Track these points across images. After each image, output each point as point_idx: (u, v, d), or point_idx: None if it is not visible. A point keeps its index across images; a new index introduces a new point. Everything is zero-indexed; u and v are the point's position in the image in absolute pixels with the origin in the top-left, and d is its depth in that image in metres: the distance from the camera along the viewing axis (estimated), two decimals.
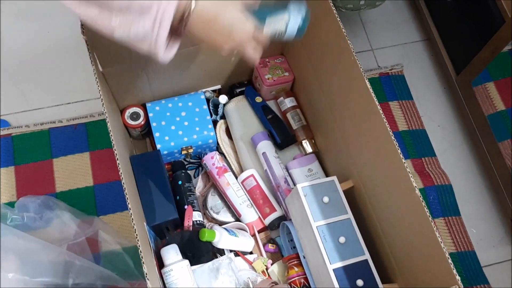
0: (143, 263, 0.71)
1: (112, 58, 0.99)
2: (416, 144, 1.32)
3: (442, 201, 1.25)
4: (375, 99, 0.84)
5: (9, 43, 1.34)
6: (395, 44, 1.45)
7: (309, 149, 1.13)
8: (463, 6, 1.26)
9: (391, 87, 1.38)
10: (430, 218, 0.74)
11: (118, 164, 0.80)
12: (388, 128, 0.81)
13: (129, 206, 0.77)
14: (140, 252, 0.72)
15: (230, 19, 0.68)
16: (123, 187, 0.78)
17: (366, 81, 0.86)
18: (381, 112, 0.83)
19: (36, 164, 1.21)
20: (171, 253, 0.94)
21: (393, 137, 0.81)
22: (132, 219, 0.76)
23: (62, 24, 1.33)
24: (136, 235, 0.74)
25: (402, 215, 0.84)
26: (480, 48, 1.18)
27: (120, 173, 0.80)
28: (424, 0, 1.42)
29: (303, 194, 0.94)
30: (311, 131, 1.15)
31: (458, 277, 0.69)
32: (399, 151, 0.80)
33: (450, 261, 0.71)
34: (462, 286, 0.68)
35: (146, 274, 0.70)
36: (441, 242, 0.72)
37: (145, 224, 0.96)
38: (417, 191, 0.76)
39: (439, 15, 1.38)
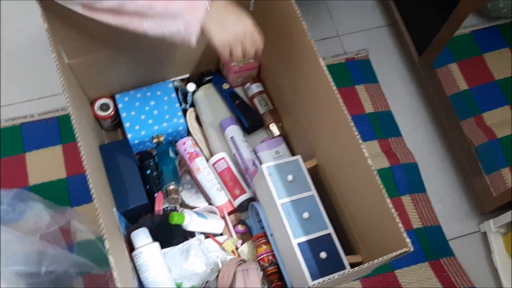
0: (108, 250, 0.72)
1: (79, 49, 1.01)
2: (382, 125, 1.36)
3: (408, 179, 1.29)
4: (333, 86, 0.85)
5: None
6: (361, 29, 1.48)
7: (276, 132, 1.16)
8: None
9: (357, 71, 1.42)
10: (383, 191, 0.77)
11: (82, 155, 0.80)
12: (345, 112, 0.83)
13: (93, 194, 0.77)
14: (105, 238, 0.73)
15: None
16: (87, 178, 0.78)
17: (324, 68, 0.87)
18: (339, 97, 0.85)
19: (9, 159, 1.22)
20: (141, 236, 0.97)
21: (350, 120, 0.82)
22: (97, 207, 0.76)
23: (32, 19, 1.34)
24: (100, 222, 0.74)
25: (361, 191, 0.88)
26: (439, 29, 1.22)
27: (84, 164, 0.80)
28: None
29: (267, 174, 0.97)
30: (278, 114, 1.18)
31: (408, 240, 0.72)
32: (356, 133, 0.81)
33: (402, 229, 0.74)
34: (412, 248, 0.72)
35: (112, 263, 0.72)
36: (394, 213, 0.75)
37: (114, 210, 0.98)
38: (373, 170, 0.78)
39: (401, 0, 1.42)
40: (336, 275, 0.70)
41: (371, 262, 0.71)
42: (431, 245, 1.23)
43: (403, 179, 1.29)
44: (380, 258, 0.71)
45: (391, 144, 1.34)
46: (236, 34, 0.80)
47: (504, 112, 1.39)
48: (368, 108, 1.38)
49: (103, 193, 0.94)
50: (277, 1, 0.98)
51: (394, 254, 0.72)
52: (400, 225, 0.74)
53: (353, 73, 1.42)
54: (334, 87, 0.86)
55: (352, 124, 0.82)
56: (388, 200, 0.76)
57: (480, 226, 1.26)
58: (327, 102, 0.89)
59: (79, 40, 0.98)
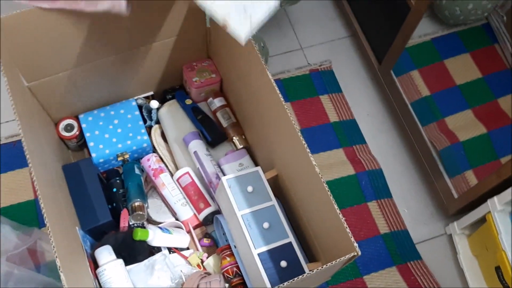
0: (59, 268, 0.72)
1: (38, 71, 1.02)
2: (347, 133, 1.38)
3: (373, 185, 1.31)
4: (282, 100, 0.87)
5: None
6: (323, 41, 1.52)
7: (239, 144, 1.18)
8: (377, 1, 1.33)
9: (321, 82, 1.45)
10: (333, 202, 0.78)
11: (33, 176, 0.80)
12: (295, 126, 0.85)
13: (44, 214, 0.77)
14: (56, 256, 0.74)
15: None
16: (39, 198, 0.78)
17: (273, 82, 0.89)
18: (288, 112, 0.86)
19: None
20: (104, 253, 0.98)
21: (299, 134, 0.84)
22: (48, 227, 0.76)
23: None
24: (52, 241, 0.75)
25: (314, 199, 0.90)
26: (394, 38, 1.25)
27: (36, 188, 0.80)
28: None
29: (227, 186, 0.98)
30: (241, 127, 1.20)
31: (355, 245, 0.74)
32: (303, 142, 0.83)
33: (350, 235, 0.75)
34: (359, 253, 0.74)
35: (63, 280, 0.72)
36: (342, 218, 0.77)
37: (77, 228, 0.99)
38: (322, 178, 0.80)
39: (360, 11, 1.45)
40: (292, 281, 0.72)
41: (319, 268, 0.72)
42: (399, 249, 1.25)
43: (369, 185, 1.31)
44: (329, 264, 0.73)
45: (356, 151, 1.37)
46: None
47: (466, 115, 1.42)
48: (333, 117, 1.40)
49: (64, 212, 0.96)
50: None
51: (343, 258, 0.73)
52: (348, 230, 0.75)
53: (317, 83, 1.45)
54: (283, 101, 0.88)
55: (299, 134, 0.84)
56: (336, 206, 0.78)
57: (445, 228, 1.28)
58: (278, 115, 0.91)
59: (37, 62, 1.00)
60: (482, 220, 1.12)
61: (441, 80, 1.48)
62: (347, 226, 0.76)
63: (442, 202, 1.28)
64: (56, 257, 0.72)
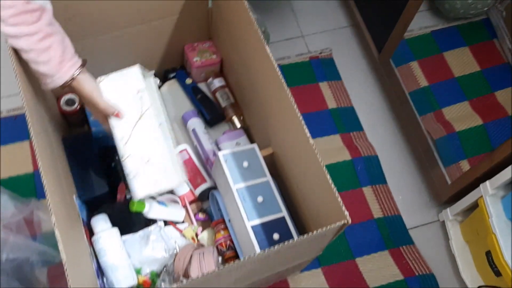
0: (55, 227, 0.74)
1: None
2: (344, 120, 1.40)
3: (369, 171, 1.33)
4: (285, 86, 0.88)
5: None
6: (325, 30, 1.54)
7: (237, 124, 1.20)
8: None
9: (321, 69, 1.46)
10: (326, 173, 0.79)
11: (35, 149, 0.81)
12: (296, 109, 0.85)
13: (45, 185, 0.77)
14: (54, 223, 0.74)
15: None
16: (39, 169, 0.78)
17: (276, 68, 0.90)
18: (290, 95, 0.87)
19: None
20: (100, 222, 0.99)
21: (300, 117, 0.85)
22: (47, 194, 0.76)
23: None
24: (50, 206, 0.76)
25: (308, 174, 0.90)
26: (394, 26, 1.27)
27: (36, 157, 0.80)
28: None
29: (224, 160, 1.00)
30: (240, 108, 1.22)
31: (346, 213, 0.75)
32: (305, 127, 0.84)
33: (341, 204, 0.77)
34: (349, 220, 0.75)
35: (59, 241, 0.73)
36: (334, 188, 0.78)
37: (74, 197, 1.00)
38: (320, 160, 0.81)
39: (362, 0, 1.47)
40: (282, 244, 0.73)
41: (310, 233, 0.74)
42: (391, 234, 1.26)
43: (364, 171, 1.33)
44: (319, 230, 0.74)
45: (353, 138, 1.38)
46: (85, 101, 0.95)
47: (463, 107, 1.44)
48: (331, 104, 1.42)
49: (63, 182, 0.97)
50: (232, 0, 1.02)
51: (333, 225, 0.75)
52: (340, 199, 0.77)
53: (317, 70, 1.46)
54: (284, 83, 0.88)
55: (297, 112, 0.85)
56: (329, 177, 0.79)
57: (439, 215, 1.29)
58: (278, 96, 0.92)
59: None
60: (474, 206, 1.14)
61: (439, 72, 1.49)
62: (338, 195, 0.77)
63: (436, 190, 1.29)
64: (54, 223, 0.74)
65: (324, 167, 0.80)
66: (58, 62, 0.83)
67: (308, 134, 0.83)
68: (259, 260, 0.76)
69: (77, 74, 0.87)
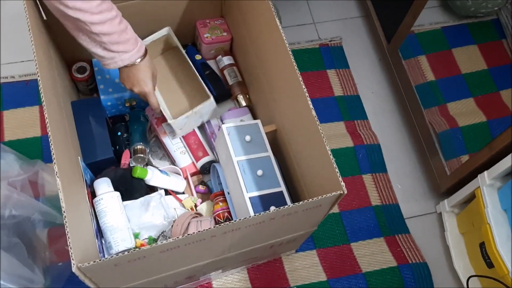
0: (60, 188, 0.75)
1: None
2: (349, 108, 1.42)
3: (370, 158, 1.34)
4: (297, 70, 0.89)
5: None
6: (336, 19, 1.55)
7: (243, 103, 1.21)
8: None
9: (329, 56, 1.48)
10: (329, 152, 0.81)
11: (45, 111, 0.82)
12: (305, 90, 0.87)
13: (51, 144, 0.79)
14: (58, 177, 0.77)
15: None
16: (47, 128, 0.81)
17: (289, 51, 0.91)
18: (300, 77, 0.88)
19: None
20: (103, 184, 1.02)
21: (308, 98, 0.86)
22: (53, 154, 0.78)
23: None
24: (55, 165, 0.77)
25: (311, 153, 0.92)
26: (404, 17, 1.28)
27: (46, 119, 0.82)
28: None
29: (227, 133, 1.02)
30: (246, 87, 1.24)
31: (342, 184, 0.77)
32: (310, 105, 0.86)
33: (338, 174, 0.78)
34: (345, 191, 0.77)
35: (64, 208, 0.74)
36: (332, 159, 0.80)
37: (79, 158, 1.03)
38: (324, 138, 0.82)
39: None
40: (278, 209, 0.74)
41: (305, 200, 0.75)
42: (388, 222, 1.28)
43: (365, 158, 1.34)
44: (314, 198, 0.76)
45: (356, 126, 1.39)
46: (132, 87, 1.00)
47: (468, 103, 1.45)
48: (338, 91, 1.43)
49: (70, 145, 0.99)
50: None
51: (329, 195, 0.76)
52: (337, 170, 0.78)
53: (326, 58, 1.48)
54: (296, 67, 0.89)
55: (306, 94, 0.86)
56: (329, 150, 0.81)
57: (436, 207, 1.31)
58: (292, 85, 0.93)
59: None
60: (471, 199, 1.15)
61: (447, 67, 1.50)
62: (336, 167, 0.79)
63: (436, 182, 1.30)
64: (58, 181, 0.75)
65: (325, 141, 0.82)
66: (134, 39, 0.92)
67: (314, 113, 0.85)
68: (254, 224, 0.78)
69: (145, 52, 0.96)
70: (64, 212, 0.73)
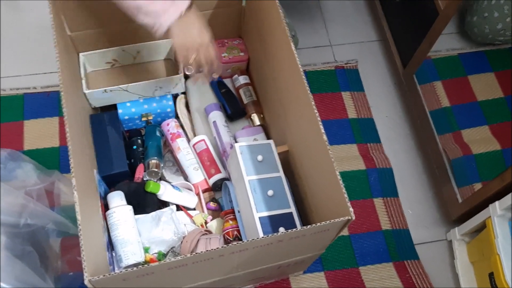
0: (76, 200, 0.78)
1: (82, 23, 1.10)
2: (363, 130, 1.42)
3: (382, 182, 1.34)
4: (309, 93, 0.90)
5: None
6: (353, 42, 1.57)
7: (257, 121, 1.23)
8: (408, 5, 1.38)
9: (345, 79, 1.49)
10: (338, 177, 0.82)
11: (66, 123, 0.86)
12: (316, 114, 0.88)
13: (71, 157, 0.83)
14: (75, 190, 0.79)
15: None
16: (67, 141, 0.84)
17: (302, 74, 0.93)
18: (312, 100, 0.89)
19: (8, 124, 1.31)
20: (116, 198, 1.04)
21: (319, 121, 0.87)
22: (71, 165, 0.82)
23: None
24: (73, 175, 0.81)
25: (321, 176, 0.93)
26: (420, 42, 1.29)
27: (66, 131, 0.85)
28: (379, 2, 1.54)
29: (239, 152, 1.04)
30: (261, 106, 1.26)
31: (351, 209, 0.78)
32: (323, 132, 0.86)
33: (348, 204, 0.79)
34: (353, 217, 0.77)
35: (79, 220, 0.77)
36: (341, 184, 0.81)
37: (95, 172, 1.05)
38: (334, 163, 0.83)
39: (391, 15, 1.50)
40: (286, 232, 0.75)
41: (313, 225, 0.76)
42: (398, 247, 1.27)
43: (377, 182, 1.34)
44: (323, 222, 0.77)
45: (369, 149, 1.40)
46: (194, 42, 0.94)
47: (483, 131, 1.44)
48: (352, 114, 1.44)
49: (87, 157, 1.02)
50: (265, 1, 1.06)
51: (337, 220, 0.77)
52: (346, 196, 0.79)
53: (341, 80, 1.49)
54: (309, 91, 0.91)
55: (319, 119, 0.87)
56: (338, 175, 0.82)
57: (446, 234, 1.30)
58: (304, 107, 0.94)
59: (82, 14, 1.08)
60: (482, 228, 1.14)
61: (462, 94, 1.50)
62: (345, 192, 0.80)
63: (447, 209, 1.30)
64: (75, 193, 0.78)
65: (335, 165, 0.83)
66: None
67: (325, 137, 0.86)
68: (262, 246, 0.79)
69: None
70: (79, 224, 0.75)
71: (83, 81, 1.13)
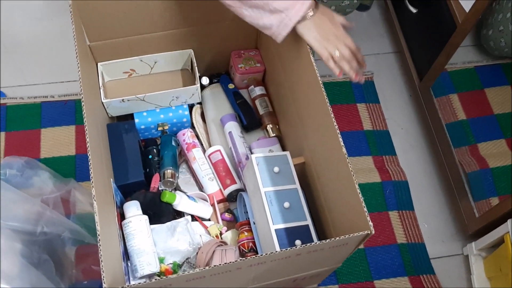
0: (95, 211, 0.78)
1: (101, 33, 1.11)
2: (378, 143, 1.42)
3: (397, 195, 1.33)
4: (328, 104, 0.90)
5: (10, 26, 1.49)
6: (369, 54, 1.56)
7: (272, 133, 1.23)
8: (425, 18, 1.38)
9: (360, 90, 1.49)
10: (358, 191, 0.81)
11: (86, 131, 0.86)
12: (336, 126, 0.88)
13: (91, 167, 0.83)
14: (94, 200, 0.79)
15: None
16: (87, 150, 0.84)
17: (321, 84, 0.92)
18: (331, 112, 0.89)
19: (25, 132, 1.33)
20: (132, 207, 1.04)
21: (338, 134, 0.87)
22: (91, 175, 0.82)
23: (62, 10, 1.48)
24: (93, 186, 0.81)
25: (339, 188, 0.92)
26: (438, 55, 1.29)
27: (87, 141, 0.85)
28: (395, 14, 1.54)
29: (256, 163, 1.03)
30: (276, 117, 1.25)
31: (370, 224, 0.77)
32: (342, 145, 0.86)
33: (368, 218, 0.78)
34: (373, 231, 0.76)
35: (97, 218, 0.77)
36: (361, 198, 0.80)
37: (111, 180, 1.05)
38: (352, 172, 0.83)
39: (407, 27, 1.50)
40: (304, 245, 0.75)
41: (332, 239, 0.76)
42: (413, 261, 1.26)
43: (393, 195, 1.33)
44: (342, 236, 0.76)
45: (385, 161, 1.39)
46: (332, 37, 0.91)
47: (500, 144, 1.43)
48: (367, 125, 1.44)
49: (104, 166, 1.02)
50: None
51: (356, 234, 0.76)
52: (365, 209, 0.79)
53: (356, 92, 1.49)
54: (327, 102, 0.90)
55: (338, 131, 0.87)
56: (357, 187, 0.81)
57: (463, 249, 1.28)
58: (322, 118, 0.94)
59: (102, 24, 1.09)
60: (500, 243, 1.13)
61: (479, 107, 1.49)
62: (364, 206, 0.79)
63: (464, 223, 1.28)
64: (94, 203, 0.78)
65: (355, 179, 0.82)
66: None
67: (344, 150, 0.85)
68: (280, 259, 0.79)
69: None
70: (99, 235, 0.75)
71: (101, 91, 1.14)
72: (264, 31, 0.92)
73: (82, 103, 0.89)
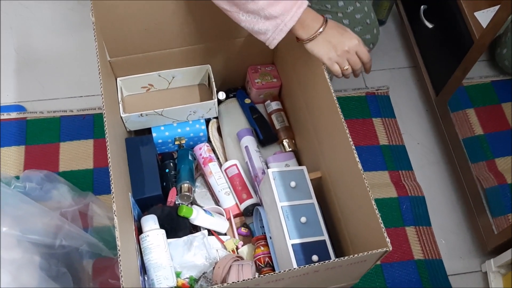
0: (115, 225, 0.79)
1: (121, 49, 1.13)
2: (394, 158, 1.41)
3: (414, 211, 1.32)
4: (343, 120, 0.90)
5: (30, 41, 1.52)
6: (384, 68, 1.57)
7: (288, 147, 1.23)
8: (441, 33, 1.38)
9: (376, 105, 1.49)
10: (374, 207, 0.81)
11: (108, 146, 0.88)
12: (351, 142, 0.88)
13: (112, 181, 0.85)
14: (115, 214, 0.80)
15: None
16: (109, 165, 0.86)
17: (335, 100, 0.93)
18: (346, 128, 0.89)
19: (45, 146, 1.35)
20: (150, 221, 1.05)
21: (354, 149, 0.87)
22: (112, 189, 0.84)
23: (81, 25, 1.51)
24: (113, 200, 0.82)
25: (356, 203, 0.92)
26: (454, 70, 1.29)
27: (108, 156, 0.87)
28: (411, 29, 1.54)
29: (272, 177, 1.04)
30: (292, 132, 1.26)
31: (388, 240, 0.77)
32: (358, 161, 0.86)
33: (385, 234, 0.78)
34: (390, 248, 0.76)
35: (118, 242, 0.78)
36: (378, 214, 0.80)
37: (130, 194, 1.07)
38: (368, 188, 0.83)
39: (423, 43, 1.50)
40: (322, 263, 0.75)
41: (350, 256, 0.75)
42: (431, 277, 1.25)
43: (409, 210, 1.32)
44: (360, 254, 0.76)
45: (401, 176, 1.39)
46: (342, 51, 0.91)
47: None
48: (383, 140, 1.43)
49: (123, 181, 1.03)
50: None
51: (374, 252, 0.76)
52: (383, 225, 0.78)
53: (372, 106, 1.49)
54: (342, 118, 0.91)
55: (353, 147, 0.87)
56: (374, 203, 0.81)
57: (482, 266, 1.27)
58: (337, 133, 0.95)
59: (122, 40, 1.11)
60: None
61: (496, 122, 1.48)
62: (381, 222, 0.79)
63: (482, 239, 1.27)
64: (115, 215, 0.79)
65: (371, 195, 0.82)
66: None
67: (360, 166, 0.85)
68: (298, 276, 0.79)
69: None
70: (119, 250, 0.76)
71: (120, 105, 1.16)
72: (258, 37, 0.93)
73: (104, 118, 0.90)
